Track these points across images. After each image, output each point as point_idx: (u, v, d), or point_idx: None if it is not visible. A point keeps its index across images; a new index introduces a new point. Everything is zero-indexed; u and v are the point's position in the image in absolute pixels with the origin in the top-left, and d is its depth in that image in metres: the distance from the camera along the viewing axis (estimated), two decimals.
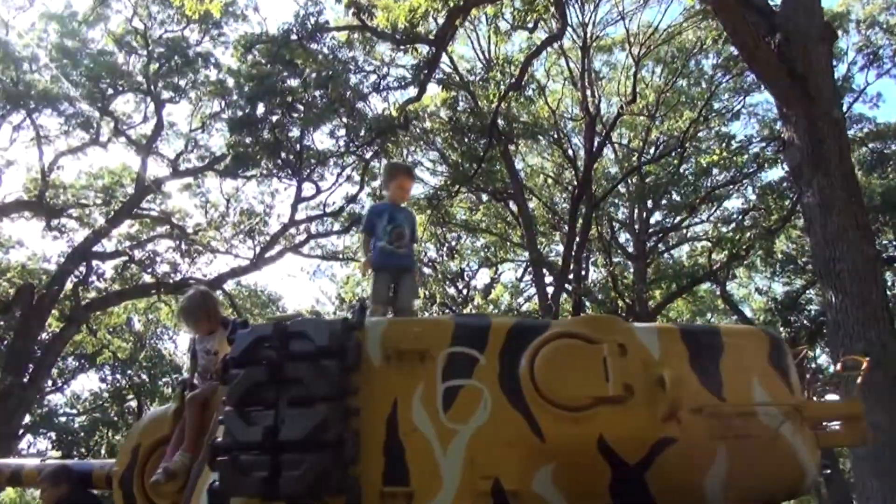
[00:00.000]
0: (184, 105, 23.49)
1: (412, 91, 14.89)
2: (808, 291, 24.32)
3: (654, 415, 2.84)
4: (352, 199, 23.44)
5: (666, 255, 27.74)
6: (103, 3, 21.60)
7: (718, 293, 26.80)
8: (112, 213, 23.36)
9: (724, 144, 20.44)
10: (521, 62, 14.93)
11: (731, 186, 24.01)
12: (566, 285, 21.82)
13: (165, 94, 23.03)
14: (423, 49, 14.29)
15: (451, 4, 11.88)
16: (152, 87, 22.34)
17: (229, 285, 26.00)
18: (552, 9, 13.26)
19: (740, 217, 24.58)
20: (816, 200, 8.97)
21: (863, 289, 8.63)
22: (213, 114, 23.26)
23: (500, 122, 17.87)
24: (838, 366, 3.15)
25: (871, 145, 21.06)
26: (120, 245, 24.62)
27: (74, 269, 22.89)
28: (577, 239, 20.68)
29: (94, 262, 24.08)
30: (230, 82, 21.25)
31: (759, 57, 9.07)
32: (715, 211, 25.41)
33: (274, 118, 19.14)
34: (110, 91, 22.27)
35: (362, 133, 16.79)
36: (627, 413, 2.84)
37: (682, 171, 22.59)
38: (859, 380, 3.04)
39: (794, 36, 9.34)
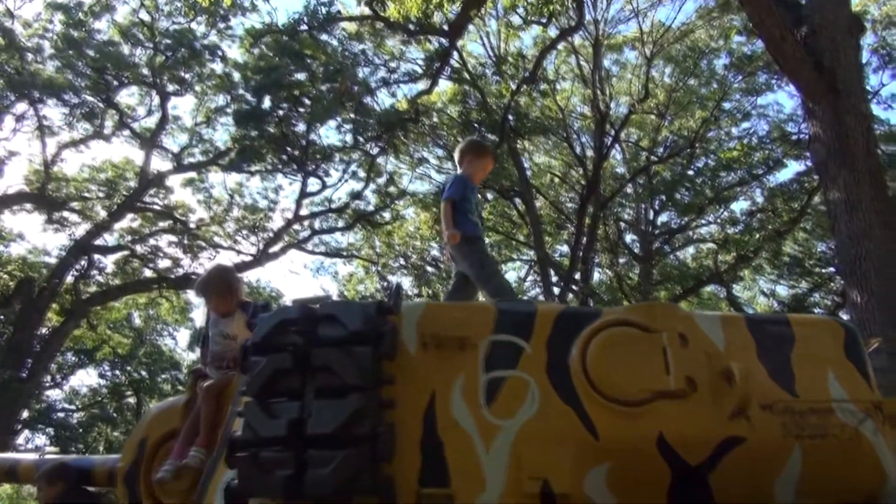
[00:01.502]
0: (189, 99, 23.31)
1: (422, 85, 14.60)
2: (813, 294, 24.10)
3: (720, 411, 2.56)
4: (357, 196, 23.24)
5: (671, 256, 27.51)
6: None
7: (723, 295, 26.59)
8: (114, 206, 23.14)
9: (745, 140, 20.13)
10: (533, 57, 14.63)
11: (739, 188, 23.80)
12: (572, 285, 21.59)
13: (170, 88, 22.80)
14: (435, 43, 14.01)
15: None
16: (157, 80, 22.11)
17: None
18: (568, 2, 12.99)
19: (748, 219, 24.34)
20: (842, 197, 8.69)
21: (889, 288, 8.35)
22: (219, 108, 23.04)
23: (511, 117, 17.62)
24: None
25: (884, 147, 20.78)
26: (122, 239, 24.41)
27: (75, 262, 22.65)
28: (585, 238, 20.44)
29: (96, 256, 23.88)
30: (236, 76, 21.03)
31: (785, 49, 8.79)
32: (722, 212, 25.15)
33: (280, 112, 18.90)
34: (115, 83, 22.05)
35: (370, 127, 16.51)
36: (690, 409, 2.56)
37: (690, 171, 22.34)
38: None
39: (821, 28, 9.06)
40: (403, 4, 12.96)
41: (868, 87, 18.57)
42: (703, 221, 25.75)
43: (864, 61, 18.54)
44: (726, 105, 21.82)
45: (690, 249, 27.82)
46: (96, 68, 20.71)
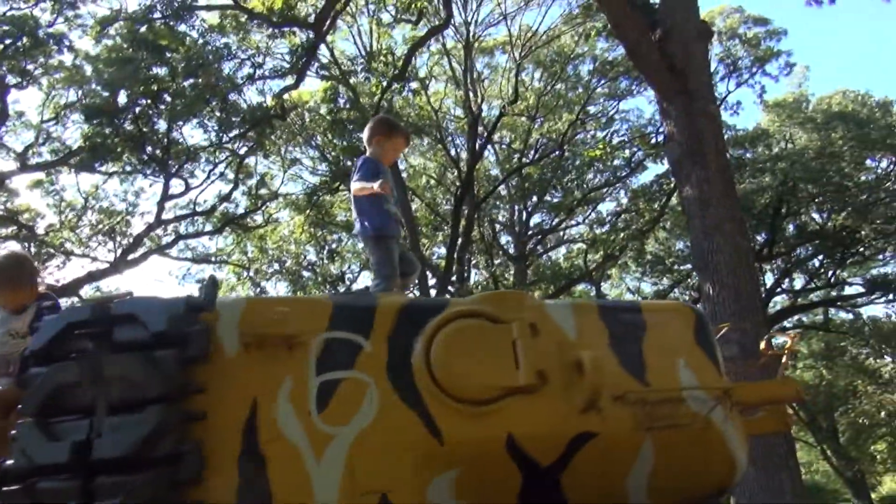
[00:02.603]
0: (36, 93, 21.24)
1: (290, 81, 14.02)
2: (674, 290, 25.60)
3: (572, 405, 2.39)
4: (225, 198, 22.10)
5: (544, 256, 28.34)
6: None
7: (593, 293, 27.68)
8: None
9: (606, 139, 21.04)
10: (404, 54, 14.46)
11: (606, 189, 24.88)
12: (449, 287, 21.66)
13: (12, 80, 20.72)
14: (301, 37, 13.50)
15: None
16: None
17: (87, 291, 23.83)
18: (436, 1, 12.92)
19: (614, 219, 25.48)
20: (695, 193, 9.11)
21: (738, 280, 8.83)
22: (69, 104, 21.17)
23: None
24: (762, 344, 2.83)
25: (731, 151, 22.35)
26: None
27: None
28: (460, 240, 20.55)
29: None
30: (88, 69, 19.38)
31: (641, 51, 9.12)
32: (590, 213, 26.18)
33: (138, 109, 17.60)
34: None
35: (235, 125, 15.68)
36: (541, 405, 2.38)
37: (560, 172, 23.07)
38: (784, 358, 2.76)
39: (673, 32, 9.48)
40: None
41: (717, 94, 19.91)
42: (574, 222, 26.72)
43: (711, 69, 19.89)
44: (592, 109, 22.73)
45: (562, 249, 28.77)
46: None
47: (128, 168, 20.58)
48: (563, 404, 2.39)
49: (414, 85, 16.90)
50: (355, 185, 3.99)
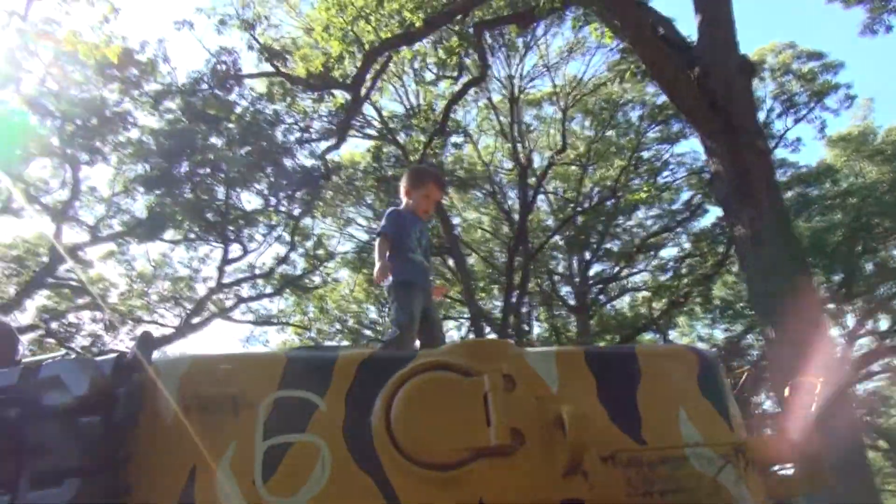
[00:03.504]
0: (106, 169, 22.46)
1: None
2: (747, 335, 24.39)
3: (553, 469, 2.09)
4: (282, 260, 22.54)
5: (608, 306, 27.66)
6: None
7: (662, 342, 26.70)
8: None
9: (651, 181, 20.58)
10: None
11: (666, 234, 24.19)
12: (509, 340, 21.23)
13: (83, 157, 21.96)
14: (345, 98, 13.80)
15: (367, 48, 11.47)
16: (67, 151, 21.25)
17: (155, 355, 24.47)
18: (474, 55, 13.03)
19: (676, 265, 24.72)
20: (747, 233, 8.61)
21: (801, 322, 8.19)
22: (137, 177, 22.29)
23: None
24: (786, 391, 2.45)
25: (796, 189, 21.45)
26: (37, 318, 23.04)
27: None
28: (516, 292, 20.24)
29: None
30: (151, 143, 20.37)
31: (679, 89, 8.83)
32: (652, 260, 25.49)
33: (196, 178, 18.30)
34: (21, 154, 21.07)
35: (284, 187, 16.06)
36: (516, 468, 2.09)
37: (612, 219, 22.63)
38: (813, 407, 2.37)
39: (712, 69, 9.17)
40: (312, 62, 12.75)
41: (773, 132, 19.24)
42: (636, 270, 26.04)
43: (767, 108, 19.29)
44: (645, 154, 22.32)
45: (626, 298, 28.09)
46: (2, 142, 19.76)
47: (191, 235, 21.34)
48: (542, 467, 2.09)
49: (457, 139, 16.98)
50: (378, 243, 4.02)
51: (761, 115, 19.70)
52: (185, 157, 17.58)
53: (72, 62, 20.96)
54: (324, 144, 15.46)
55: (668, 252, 25.01)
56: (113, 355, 2.07)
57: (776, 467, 2.45)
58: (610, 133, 21.96)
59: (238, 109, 15.53)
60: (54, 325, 23.56)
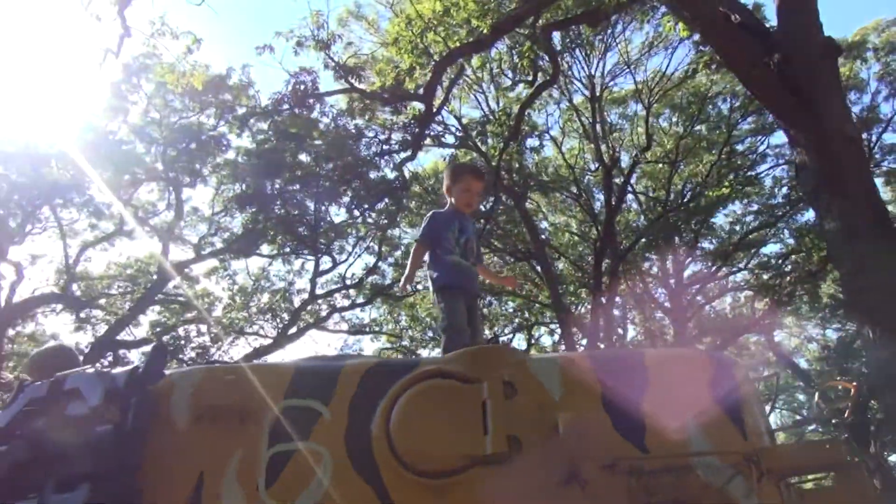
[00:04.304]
0: (206, 190, 23.85)
1: (420, 154, 14.54)
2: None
3: (551, 477, 2.05)
4: (371, 270, 23.07)
5: (707, 307, 26.53)
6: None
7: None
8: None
9: (734, 177, 19.58)
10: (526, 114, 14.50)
11: (766, 231, 22.99)
12: (599, 344, 20.80)
13: (185, 180, 23.37)
14: (420, 108, 14.03)
15: (436, 58, 11.60)
16: (170, 174, 22.68)
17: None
18: (546, 58, 12.91)
19: (780, 262, 23.43)
20: (838, 226, 8.05)
21: None
22: (235, 196, 23.50)
23: (515, 176, 17.40)
24: (816, 397, 2.28)
25: None
26: (150, 332, 24.67)
27: (100, 359, 22.78)
28: (607, 295, 19.80)
29: (122, 351, 24.04)
30: (245, 163, 21.43)
31: (755, 77, 8.40)
32: (752, 258, 24.28)
33: (287, 194, 19.10)
34: (130, 179, 22.67)
35: (365, 199, 16.47)
36: (513, 476, 2.06)
37: (712, 217, 21.72)
38: (847, 413, 2.20)
39: (794, 55, 8.64)
40: (386, 76, 13.03)
41: (881, 116, 17.94)
42: (735, 269, 24.91)
43: (872, 90, 18.00)
44: (739, 147, 21.29)
45: (727, 298, 26.94)
46: (114, 168, 21.34)
47: (285, 249, 22.27)
48: (539, 475, 2.06)
49: (532, 142, 16.85)
50: (413, 250, 4.08)
51: (866, 99, 18.43)
52: (275, 175, 18.37)
53: (171, 91, 22.42)
54: (403, 156, 15.76)
55: (770, 248, 23.76)
56: (128, 368, 2.21)
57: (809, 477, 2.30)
58: (699, 127, 21.13)
59: (321, 126, 16.07)
60: (165, 338, 25.12)
